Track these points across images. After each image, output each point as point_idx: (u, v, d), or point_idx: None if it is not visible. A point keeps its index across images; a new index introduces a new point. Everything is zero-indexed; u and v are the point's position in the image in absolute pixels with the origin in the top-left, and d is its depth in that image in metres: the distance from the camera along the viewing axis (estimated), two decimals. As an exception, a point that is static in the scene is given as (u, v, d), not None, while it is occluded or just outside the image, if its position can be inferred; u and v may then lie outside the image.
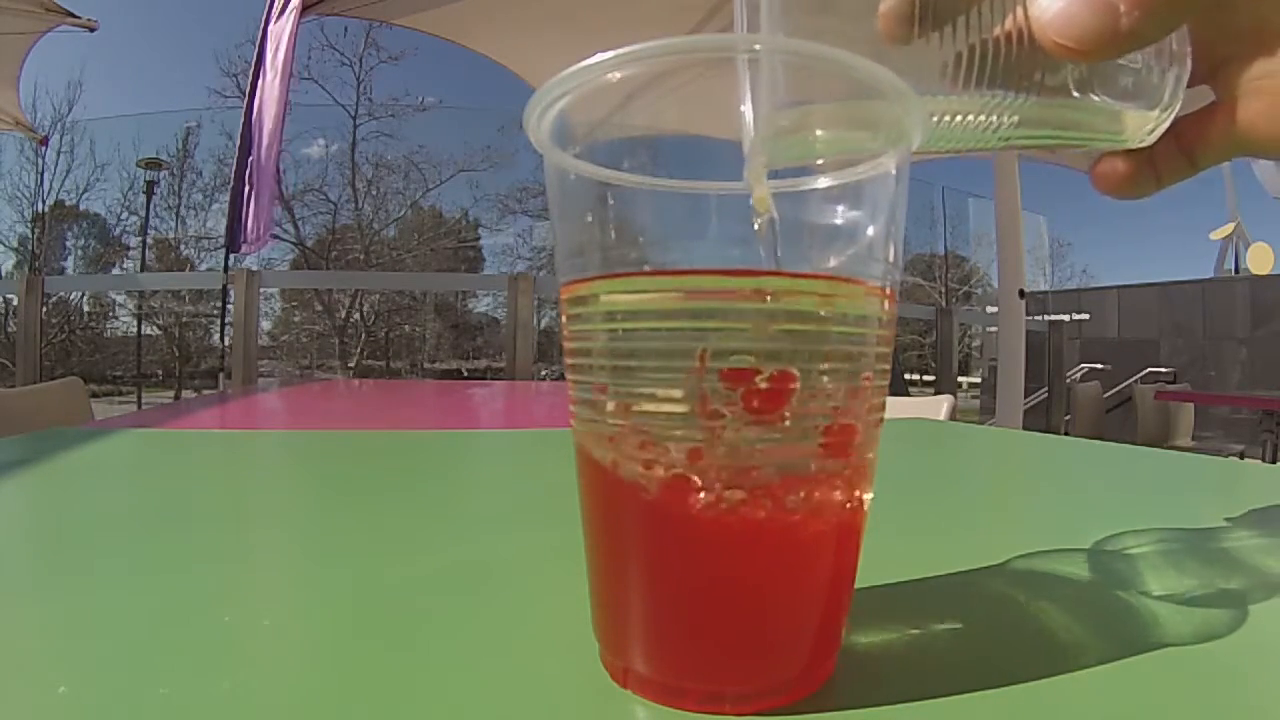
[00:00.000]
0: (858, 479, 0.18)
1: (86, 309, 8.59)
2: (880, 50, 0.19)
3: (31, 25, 3.08)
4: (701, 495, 0.17)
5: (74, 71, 10.55)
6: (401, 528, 0.37)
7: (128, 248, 8.98)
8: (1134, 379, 6.26)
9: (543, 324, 5.69)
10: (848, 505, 0.18)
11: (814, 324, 0.17)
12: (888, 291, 0.18)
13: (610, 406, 0.18)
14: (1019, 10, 0.19)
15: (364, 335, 9.14)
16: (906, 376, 8.67)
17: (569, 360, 0.19)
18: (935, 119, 0.20)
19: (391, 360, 9.13)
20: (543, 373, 4.65)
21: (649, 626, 0.18)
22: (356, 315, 9.18)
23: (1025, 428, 2.18)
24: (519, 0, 2.84)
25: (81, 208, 8.75)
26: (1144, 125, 0.21)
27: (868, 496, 0.19)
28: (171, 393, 8.11)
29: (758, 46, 0.18)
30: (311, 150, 9.54)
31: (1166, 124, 0.21)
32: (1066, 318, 7.96)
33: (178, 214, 8.86)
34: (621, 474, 0.18)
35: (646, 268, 0.18)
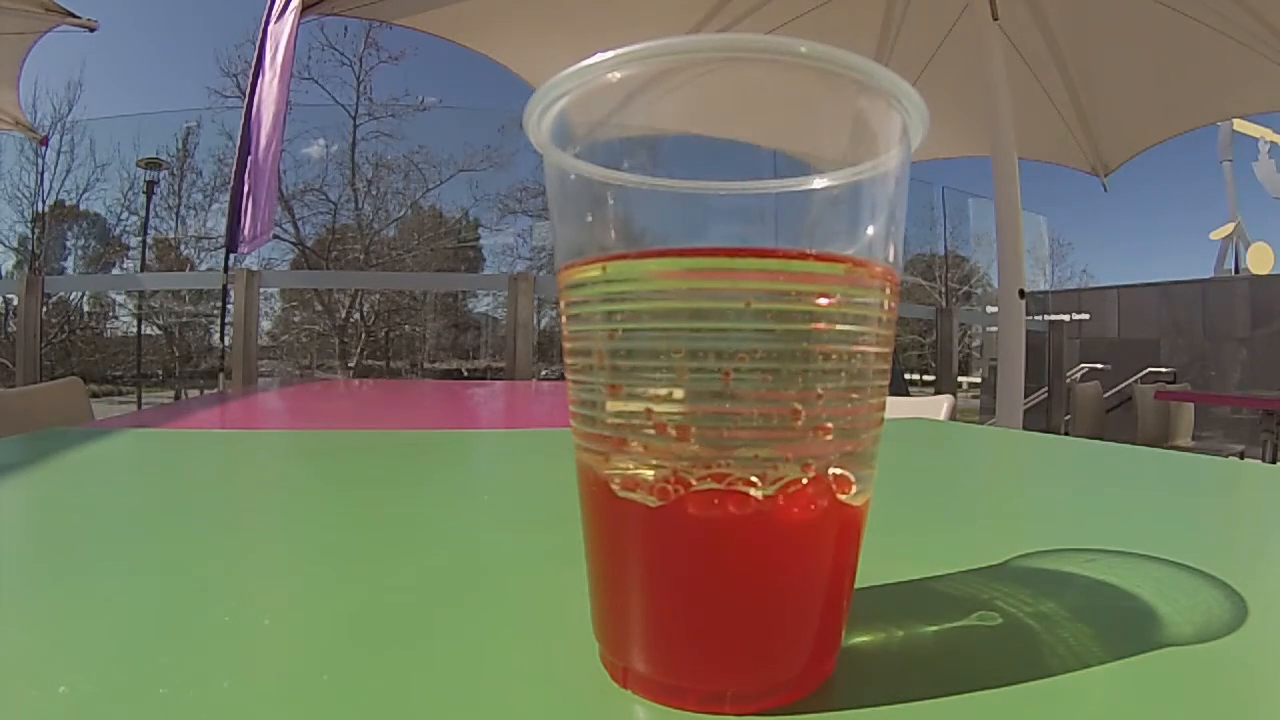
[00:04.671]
0: (858, 479, 0.18)
1: (86, 309, 8.58)
2: None
3: (31, 25, 3.08)
4: (700, 495, 0.17)
5: (74, 71, 10.58)
6: (401, 528, 0.37)
7: (128, 248, 8.98)
8: (1134, 379, 6.26)
9: (543, 324, 5.69)
10: (848, 505, 0.18)
11: (820, 320, 0.17)
12: (892, 278, 0.18)
13: (609, 406, 0.18)
14: None
15: (364, 335, 9.13)
16: (906, 376, 8.66)
17: (569, 360, 0.19)
18: None
19: (391, 360, 9.12)
20: (543, 373, 4.65)
21: (649, 626, 0.18)
22: (356, 315, 9.18)
23: (1025, 428, 2.18)
24: (519, 0, 2.84)
25: (81, 208, 8.74)
26: None
27: (868, 497, 0.19)
28: (171, 393, 8.10)
29: (760, 48, 0.18)
30: (311, 150, 9.54)
31: None
32: (1066, 318, 7.97)
33: (178, 214, 8.86)
34: (620, 474, 0.18)
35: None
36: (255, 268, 3.35)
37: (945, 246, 10.05)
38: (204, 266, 8.52)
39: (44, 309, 3.91)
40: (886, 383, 0.19)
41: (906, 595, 0.26)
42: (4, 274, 8.40)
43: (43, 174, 8.44)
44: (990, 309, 7.00)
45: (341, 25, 8.26)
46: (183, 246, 8.92)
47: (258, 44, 2.80)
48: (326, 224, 9.50)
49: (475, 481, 0.56)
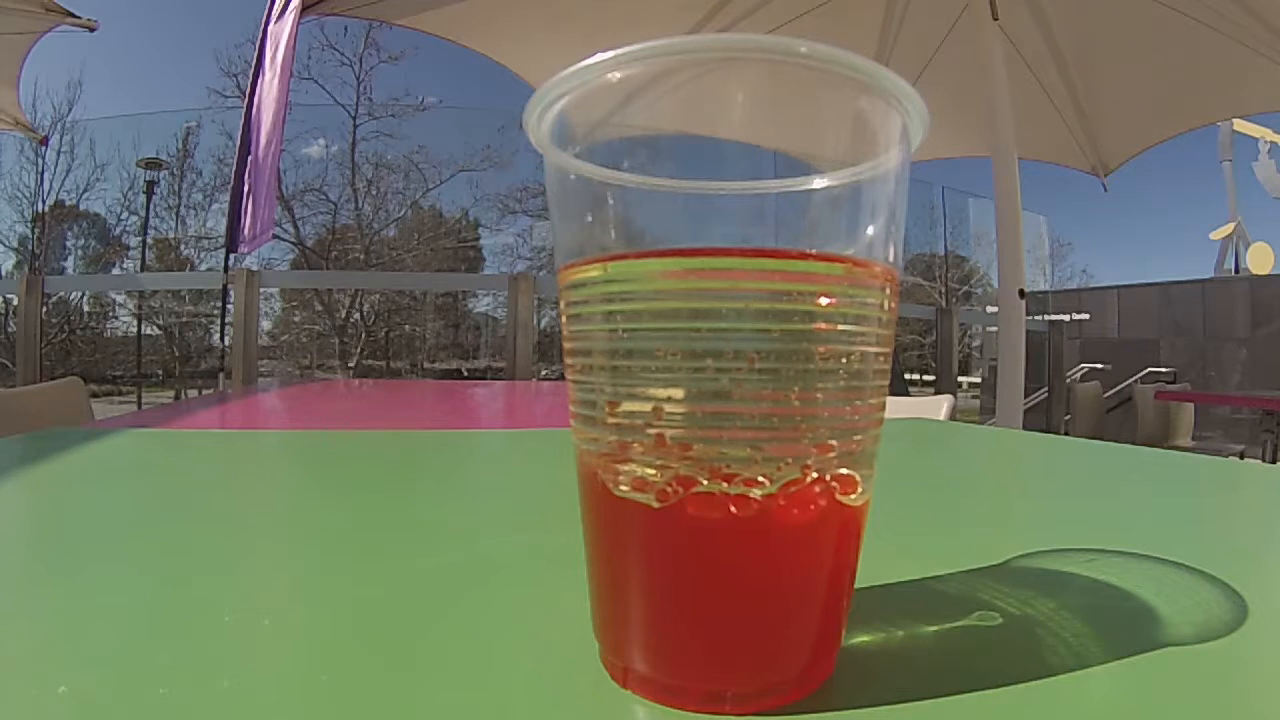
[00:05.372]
0: (858, 479, 0.18)
1: (86, 309, 8.57)
2: None
3: (31, 25, 3.08)
4: (700, 496, 0.17)
5: (74, 71, 10.59)
6: (401, 528, 0.37)
7: (128, 248, 8.97)
8: (1134, 379, 6.26)
9: (543, 324, 5.68)
10: (848, 506, 0.18)
11: (820, 320, 0.17)
12: (892, 278, 0.18)
13: (609, 407, 0.18)
14: None
15: (364, 335, 9.13)
16: (906, 376, 8.66)
17: (568, 360, 0.19)
18: None
19: (391, 360, 9.12)
20: (543, 373, 4.65)
21: (649, 626, 0.18)
22: (356, 315, 9.17)
23: (1025, 428, 2.18)
24: (519, 0, 2.84)
25: (81, 208, 8.73)
26: None
27: (868, 497, 0.19)
28: (171, 393, 8.10)
29: (760, 48, 0.18)
30: (311, 150, 9.53)
31: None
32: (1066, 318, 7.97)
33: (178, 214, 8.85)
34: (621, 475, 0.18)
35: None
36: (255, 268, 3.35)
37: (945, 246, 10.03)
38: (204, 266, 8.51)
39: (44, 309, 3.91)
40: (886, 383, 0.19)
41: (906, 595, 0.26)
42: (4, 274, 8.40)
43: (43, 174, 8.44)
44: (990, 309, 7.00)
45: (341, 25, 8.26)
46: (183, 246, 8.91)
47: (258, 44, 2.80)
48: (326, 224, 9.50)
49: (475, 482, 0.56)
